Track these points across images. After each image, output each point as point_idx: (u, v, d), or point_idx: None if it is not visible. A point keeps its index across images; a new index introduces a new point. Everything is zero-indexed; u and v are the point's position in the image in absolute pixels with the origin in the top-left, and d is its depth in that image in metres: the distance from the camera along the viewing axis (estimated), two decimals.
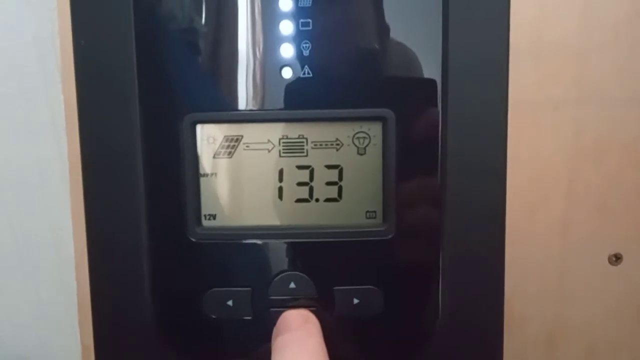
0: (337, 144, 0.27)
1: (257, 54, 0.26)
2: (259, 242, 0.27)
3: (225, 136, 0.27)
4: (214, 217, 0.28)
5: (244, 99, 0.26)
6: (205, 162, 0.27)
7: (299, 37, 0.26)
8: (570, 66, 0.34)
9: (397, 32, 0.26)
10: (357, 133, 0.27)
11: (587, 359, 0.38)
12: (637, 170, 0.35)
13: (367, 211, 0.28)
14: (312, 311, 0.27)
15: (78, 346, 0.36)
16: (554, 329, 0.37)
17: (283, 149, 0.27)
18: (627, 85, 0.34)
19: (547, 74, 0.34)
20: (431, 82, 0.27)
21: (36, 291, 0.36)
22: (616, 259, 0.36)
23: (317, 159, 0.27)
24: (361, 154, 0.27)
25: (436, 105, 0.27)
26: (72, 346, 0.36)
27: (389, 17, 0.26)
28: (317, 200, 0.28)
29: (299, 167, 0.27)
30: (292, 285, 0.27)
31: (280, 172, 0.27)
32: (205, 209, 0.27)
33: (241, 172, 0.27)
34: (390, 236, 0.27)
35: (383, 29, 0.26)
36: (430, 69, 0.27)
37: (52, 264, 0.36)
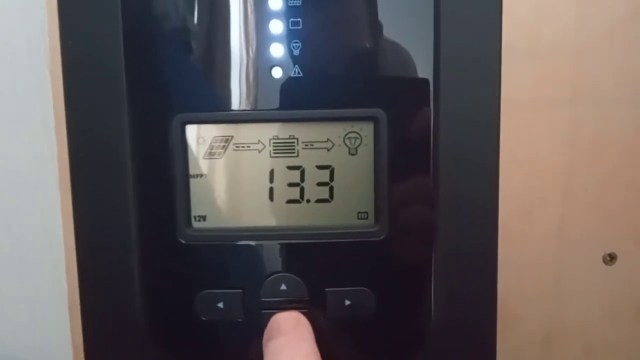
0: (328, 144, 0.27)
1: (247, 53, 0.26)
2: (249, 243, 0.27)
3: (215, 137, 0.27)
4: (204, 218, 0.27)
5: (234, 99, 0.26)
6: (195, 163, 0.27)
7: (289, 37, 0.26)
8: (567, 65, 0.34)
9: (389, 31, 0.26)
10: (348, 133, 0.27)
11: (583, 358, 0.37)
12: (632, 170, 0.35)
13: (359, 212, 0.27)
14: (304, 313, 0.27)
15: (70, 346, 0.36)
16: (550, 329, 0.37)
17: (273, 150, 0.27)
18: (623, 85, 0.34)
19: (544, 73, 0.34)
20: (423, 82, 0.26)
21: (30, 291, 0.36)
22: (610, 258, 0.36)
23: (308, 159, 0.27)
24: (352, 154, 0.27)
25: (428, 105, 0.26)
26: (65, 346, 0.36)
27: (380, 16, 0.26)
28: (308, 201, 0.27)
29: (290, 168, 0.27)
30: (284, 286, 0.27)
31: (271, 173, 0.27)
32: (195, 211, 0.27)
33: (231, 173, 0.27)
34: (382, 237, 0.27)
35: (374, 28, 0.26)
36: (422, 68, 0.26)
37: (46, 264, 0.36)
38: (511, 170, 0.34)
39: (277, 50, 0.26)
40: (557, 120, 0.34)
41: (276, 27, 0.26)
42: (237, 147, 0.27)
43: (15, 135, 0.34)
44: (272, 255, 0.27)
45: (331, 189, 0.27)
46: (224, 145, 0.27)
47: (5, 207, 0.35)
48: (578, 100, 0.34)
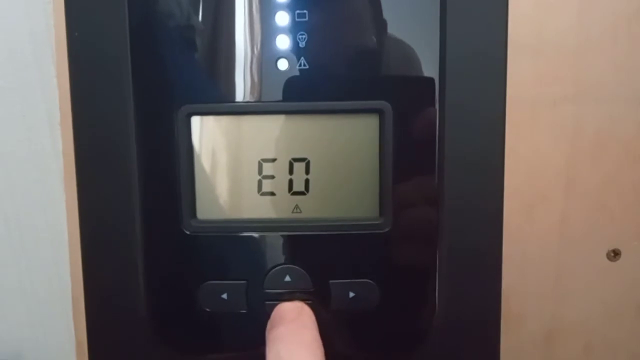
0: (334, 136, 0.27)
1: (253, 45, 0.26)
2: (254, 234, 0.27)
3: (220, 128, 0.27)
4: (208, 209, 0.27)
5: (240, 90, 0.26)
6: (200, 154, 0.27)
7: (295, 29, 0.26)
8: (569, 62, 0.34)
9: (395, 25, 0.26)
10: (354, 125, 0.27)
11: (585, 357, 0.37)
12: (635, 167, 0.35)
13: (364, 204, 0.27)
14: (308, 304, 0.27)
15: (72, 342, 0.36)
16: (552, 327, 0.37)
17: (279, 141, 0.27)
18: (625, 82, 0.34)
19: (546, 70, 0.34)
20: (429, 76, 0.26)
21: (32, 287, 0.36)
22: (614, 254, 0.36)
23: (313, 151, 0.27)
24: (358, 147, 0.27)
25: (433, 98, 0.27)
26: (67, 342, 0.36)
27: (387, 10, 0.26)
28: (313, 193, 0.27)
29: (295, 160, 0.27)
30: (288, 278, 0.27)
31: (276, 165, 0.27)
32: (199, 201, 0.27)
33: (236, 164, 0.27)
34: (386, 230, 0.27)
35: (380, 21, 0.26)
36: (428, 63, 0.26)
37: (48, 259, 0.36)
38: (513, 168, 0.34)
39: (283, 42, 0.26)
40: (559, 117, 0.34)
41: (282, 18, 0.26)
42: (242, 138, 0.27)
43: (19, 129, 0.34)
44: (276, 246, 0.27)
45: (336, 181, 0.27)
46: (229, 137, 0.27)
47: (7, 203, 0.35)
48: (580, 98, 0.34)
